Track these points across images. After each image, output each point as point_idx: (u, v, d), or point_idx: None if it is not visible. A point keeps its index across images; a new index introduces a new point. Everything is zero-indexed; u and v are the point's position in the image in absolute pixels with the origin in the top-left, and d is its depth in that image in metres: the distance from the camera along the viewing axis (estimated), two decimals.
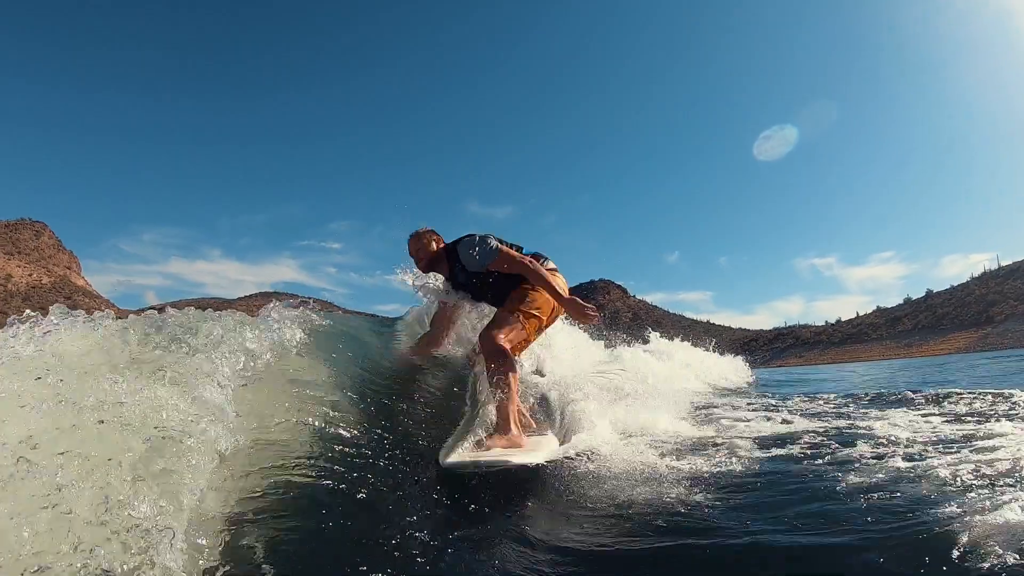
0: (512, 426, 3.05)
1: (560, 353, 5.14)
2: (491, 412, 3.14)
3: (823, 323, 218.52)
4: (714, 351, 13.10)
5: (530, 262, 3.49)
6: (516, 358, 3.51)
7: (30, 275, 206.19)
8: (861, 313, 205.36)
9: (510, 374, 3.19)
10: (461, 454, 2.67)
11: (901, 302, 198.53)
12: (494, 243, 3.56)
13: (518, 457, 2.61)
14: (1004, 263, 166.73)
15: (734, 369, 12.79)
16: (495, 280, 3.66)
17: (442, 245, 3.92)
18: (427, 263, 3.88)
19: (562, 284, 3.62)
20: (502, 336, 3.32)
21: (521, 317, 3.45)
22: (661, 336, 11.72)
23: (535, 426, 3.53)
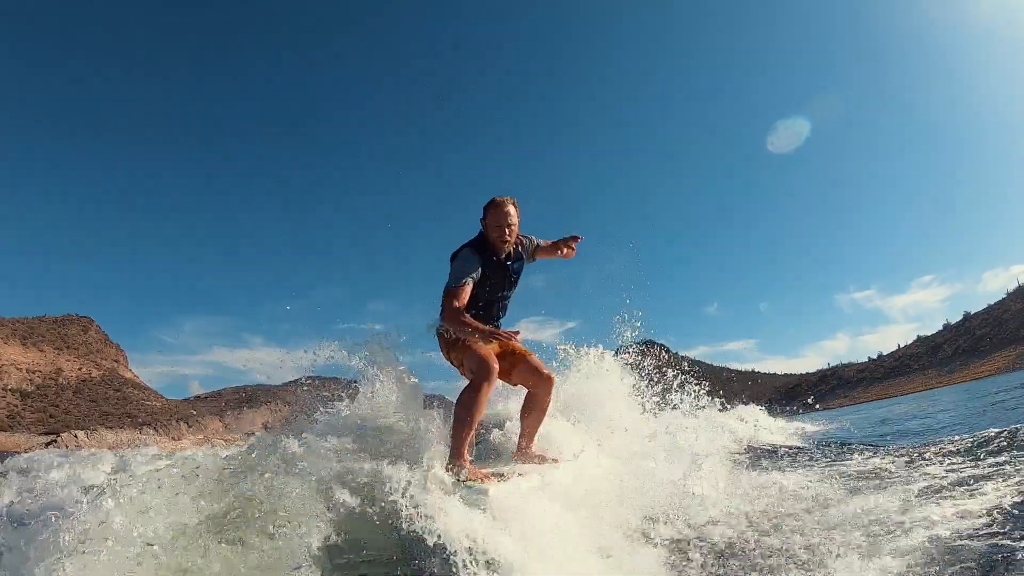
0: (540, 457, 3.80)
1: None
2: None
3: (866, 359, 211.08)
4: (741, 402, 12.38)
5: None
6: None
7: (79, 368, 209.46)
8: (902, 344, 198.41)
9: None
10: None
11: (941, 328, 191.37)
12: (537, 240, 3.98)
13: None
14: None
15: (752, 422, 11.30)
16: (517, 288, 3.89)
17: None
18: (511, 246, 3.72)
19: None
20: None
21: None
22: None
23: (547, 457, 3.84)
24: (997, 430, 5.46)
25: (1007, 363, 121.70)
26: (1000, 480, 3.66)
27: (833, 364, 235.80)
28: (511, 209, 3.61)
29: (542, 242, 3.94)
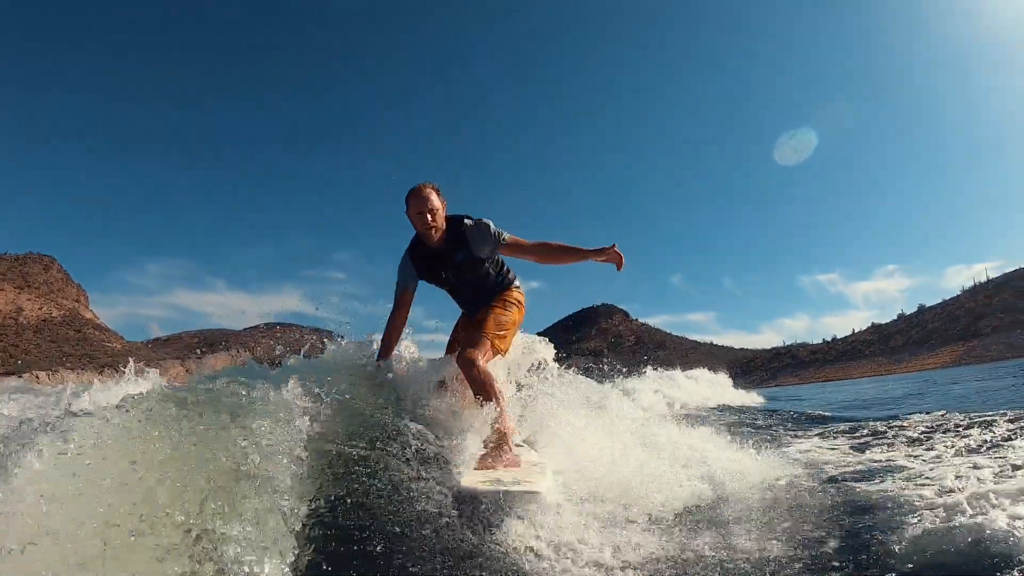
0: (510, 445, 3.05)
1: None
2: (481, 432, 3.09)
3: (821, 341, 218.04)
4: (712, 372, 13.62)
5: (548, 242, 3.56)
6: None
7: (40, 308, 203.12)
8: (858, 329, 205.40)
9: (498, 394, 3.16)
10: (480, 477, 2.67)
11: (896, 317, 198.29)
12: (505, 234, 3.52)
13: (532, 484, 2.63)
14: (1008, 270, 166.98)
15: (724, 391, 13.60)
16: (481, 274, 3.60)
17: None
18: (440, 231, 3.44)
19: (523, 301, 3.77)
20: (481, 357, 3.26)
21: (495, 341, 3.41)
22: (655, 368, 12.67)
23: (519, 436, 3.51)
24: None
25: (953, 358, 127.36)
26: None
27: (789, 343, 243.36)
28: (428, 192, 3.39)
29: (513, 239, 3.54)
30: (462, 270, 3.56)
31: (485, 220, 3.51)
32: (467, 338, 3.48)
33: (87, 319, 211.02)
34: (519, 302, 3.73)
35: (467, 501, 2.45)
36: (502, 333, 3.49)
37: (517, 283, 3.78)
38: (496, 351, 3.42)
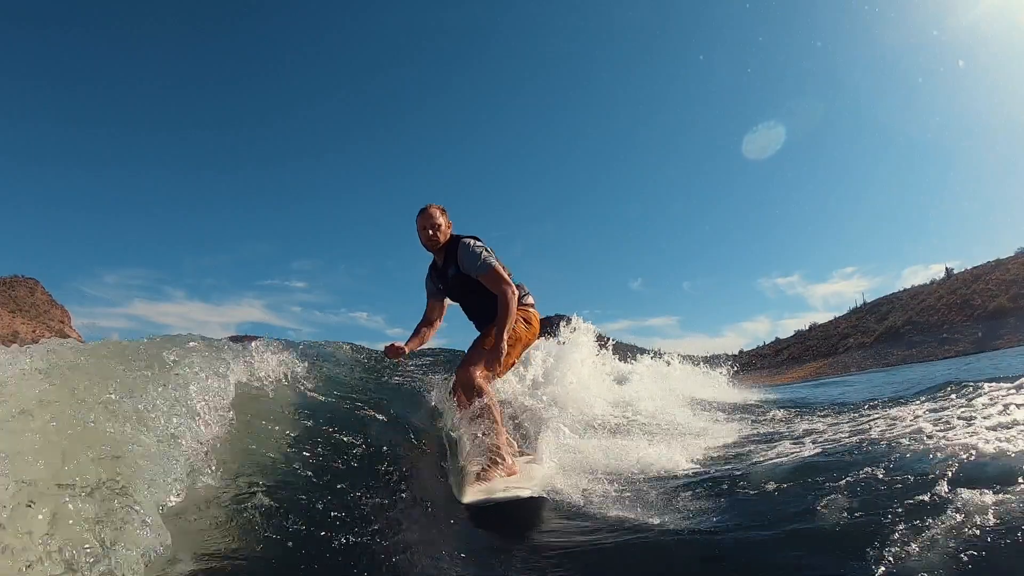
0: (506, 456, 3.15)
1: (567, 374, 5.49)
2: (476, 442, 3.18)
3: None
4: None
5: (510, 296, 3.50)
6: (496, 380, 3.60)
7: (34, 331, 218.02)
8: (783, 336, 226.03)
9: (492, 408, 3.27)
10: (476, 491, 2.84)
11: (792, 333, 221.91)
12: (492, 261, 3.58)
13: (525, 491, 2.81)
14: (972, 266, 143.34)
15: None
16: (479, 291, 3.65)
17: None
18: (442, 246, 3.70)
19: (533, 320, 3.83)
20: (478, 372, 3.38)
21: (496, 355, 3.42)
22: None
23: (516, 447, 3.60)
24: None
25: (806, 373, 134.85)
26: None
27: (751, 346, 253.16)
28: (432, 211, 3.64)
29: (487, 275, 3.59)
30: (455, 284, 3.74)
31: (477, 244, 3.66)
32: (467, 354, 3.63)
33: (74, 339, 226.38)
34: (526, 320, 3.79)
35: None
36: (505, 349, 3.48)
37: (529, 300, 3.89)
38: (494, 366, 3.43)
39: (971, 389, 4.77)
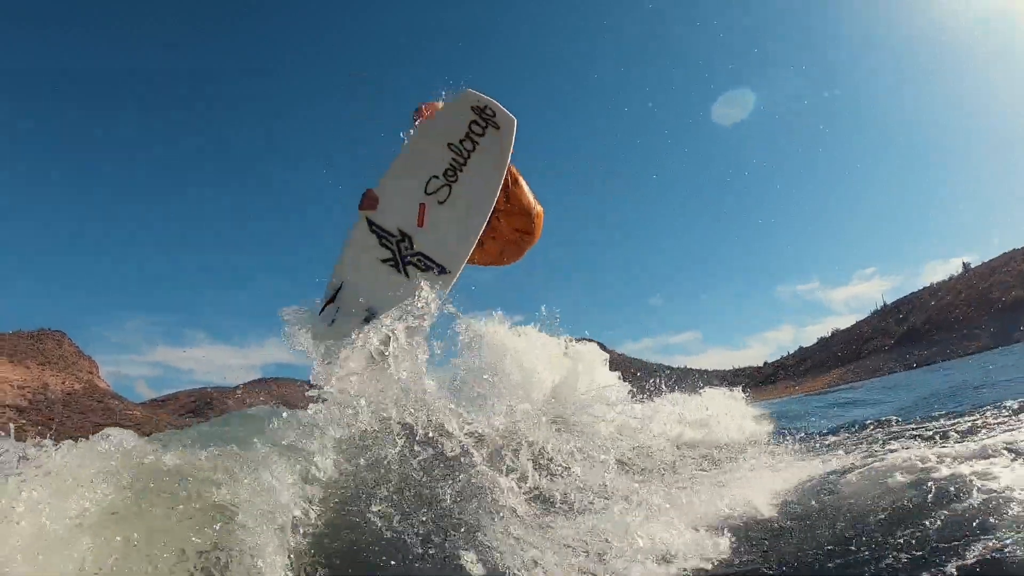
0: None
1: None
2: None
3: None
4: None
5: None
6: None
7: (63, 383, 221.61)
8: (806, 344, 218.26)
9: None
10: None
11: (815, 341, 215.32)
12: None
13: None
14: (989, 258, 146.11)
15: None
16: None
17: None
18: None
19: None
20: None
21: None
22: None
23: None
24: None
25: (829, 382, 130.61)
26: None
27: (775, 356, 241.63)
28: None
29: None
30: None
31: None
32: None
33: (103, 389, 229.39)
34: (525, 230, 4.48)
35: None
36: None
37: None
38: None
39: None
